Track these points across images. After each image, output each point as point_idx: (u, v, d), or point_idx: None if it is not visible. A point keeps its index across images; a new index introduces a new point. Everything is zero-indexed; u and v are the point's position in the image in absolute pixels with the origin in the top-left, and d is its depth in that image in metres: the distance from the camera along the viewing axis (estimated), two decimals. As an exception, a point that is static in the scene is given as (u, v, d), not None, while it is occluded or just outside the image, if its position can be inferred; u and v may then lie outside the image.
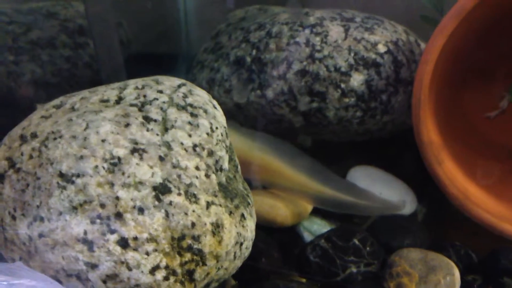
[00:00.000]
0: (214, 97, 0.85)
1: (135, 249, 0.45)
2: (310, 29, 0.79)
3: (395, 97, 0.81)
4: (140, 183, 0.46)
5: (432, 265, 0.63)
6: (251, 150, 0.72)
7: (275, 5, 1.02)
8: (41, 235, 0.46)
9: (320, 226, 0.74)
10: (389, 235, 0.72)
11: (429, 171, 0.75)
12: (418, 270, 0.63)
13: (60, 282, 0.47)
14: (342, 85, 0.78)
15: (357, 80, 0.78)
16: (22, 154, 0.48)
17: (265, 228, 0.70)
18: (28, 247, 0.47)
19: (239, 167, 0.59)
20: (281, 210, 0.71)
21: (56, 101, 0.53)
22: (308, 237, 0.73)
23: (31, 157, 0.47)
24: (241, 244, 0.51)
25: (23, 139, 0.49)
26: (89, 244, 0.45)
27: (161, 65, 1.09)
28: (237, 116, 0.85)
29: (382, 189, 0.81)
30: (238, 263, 0.53)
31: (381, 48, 0.79)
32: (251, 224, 0.53)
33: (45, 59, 0.81)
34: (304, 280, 0.64)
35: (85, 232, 0.45)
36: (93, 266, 0.45)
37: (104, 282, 0.46)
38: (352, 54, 0.78)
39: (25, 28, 0.82)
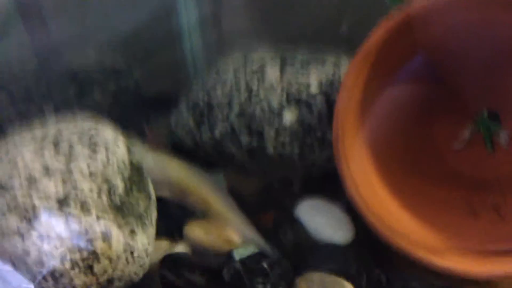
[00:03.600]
0: (177, 136, 0.99)
1: (48, 243, 0.60)
2: (251, 74, 0.91)
3: (331, 133, 0.88)
4: (49, 197, 0.61)
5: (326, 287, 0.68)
6: (191, 183, 0.85)
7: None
8: None
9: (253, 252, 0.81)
10: (312, 262, 0.78)
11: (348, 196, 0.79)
12: (314, 290, 0.68)
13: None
14: (276, 124, 0.87)
15: (289, 118, 0.87)
16: None
17: (200, 254, 0.81)
18: None
19: (152, 197, 0.72)
20: (212, 237, 0.81)
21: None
22: (239, 262, 0.81)
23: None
24: (132, 252, 0.63)
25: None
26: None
27: (167, 106, 1.19)
28: (198, 154, 0.98)
29: (321, 220, 0.87)
30: (135, 269, 0.65)
31: (314, 90, 0.88)
32: (142, 238, 0.66)
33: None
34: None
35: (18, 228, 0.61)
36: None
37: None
38: (285, 96, 0.88)
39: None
